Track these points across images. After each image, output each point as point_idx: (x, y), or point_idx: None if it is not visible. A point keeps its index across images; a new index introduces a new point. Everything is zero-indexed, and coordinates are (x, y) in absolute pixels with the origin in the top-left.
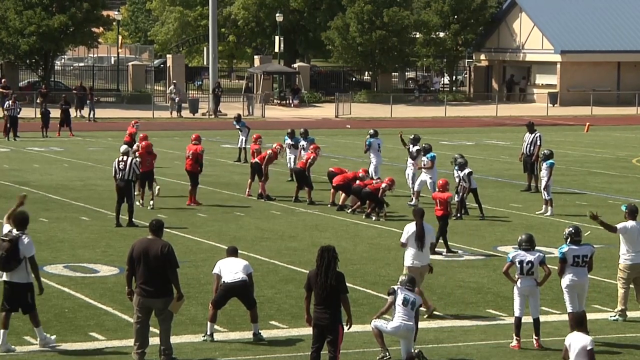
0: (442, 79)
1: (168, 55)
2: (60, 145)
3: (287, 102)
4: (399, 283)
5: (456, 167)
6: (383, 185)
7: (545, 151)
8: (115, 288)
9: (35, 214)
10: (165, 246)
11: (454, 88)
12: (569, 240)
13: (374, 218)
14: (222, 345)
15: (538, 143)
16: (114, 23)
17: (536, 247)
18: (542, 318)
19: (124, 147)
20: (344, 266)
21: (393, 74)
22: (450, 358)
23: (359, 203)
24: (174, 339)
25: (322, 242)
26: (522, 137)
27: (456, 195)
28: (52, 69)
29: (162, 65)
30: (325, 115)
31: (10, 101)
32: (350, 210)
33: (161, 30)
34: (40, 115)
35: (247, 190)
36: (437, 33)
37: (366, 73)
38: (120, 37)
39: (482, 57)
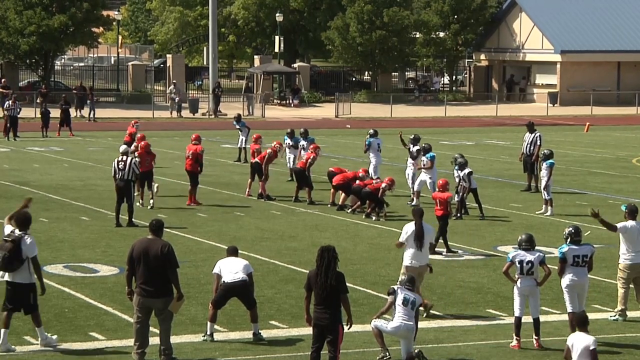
0: (442, 78)
1: (168, 55)
2: (60, 145)
3: (287, 102)
4: (398, 283)
5: (456, 167)
6: (383, 185)
7: (545, 151)
8: (115, 288)
9: (35, 214)
10: (165, 246)
11: (454, 88)
12: (569, 240)
13: (374, 218)
14: (222, 345)
15: (538, 143)
16: (114, 23)
17: (536, 247)
18: (542, 318)
19: (123, 147)
20: (344, 266)
21: (393, 74)
22: (450, 358)
23: (359, 203)
24: (174, 339)
25: (322, 242)
26: (522, 137)
27: (456, 195)
28: (52, 69)
29: (162, 65)
30: (325, 115)
31: (10, 101)
32: (350, 210)
33: (161, 30)
34: (40, 115)
35: (247, 190)
36: (437, 33)
37: (366, 73)
38: (120, 37)
39: (482, 57)
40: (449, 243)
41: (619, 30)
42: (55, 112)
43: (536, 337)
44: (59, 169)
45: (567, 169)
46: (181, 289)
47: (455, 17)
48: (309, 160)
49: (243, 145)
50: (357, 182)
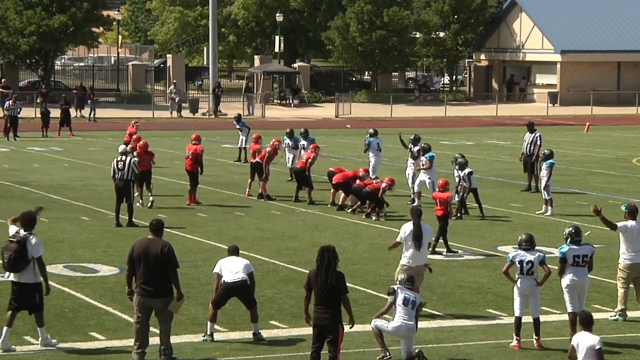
0: (442, 78)
1: (168, 55)
2: (61, 145)
3: (287, 102)
4: (398, 282)
5: (456, 167)
6: (383, 185)
7: (546, 151)
8: (115, 288)
9: None
10: (166, 246)
11: (454, 88)
12: (569, 240)
13: (374, 218)
14: (222, 345)
15: (538, 143)
16: (114, 23)
17: (536, 247)
18: (542, 318)
19: (122, 147)
20: (344, 266)
21: (393, 73)
22: (450, 358)
23: (359, 203)
24: (174, 339)
25: (322, 242)
26: (522, 137)
27: (456, 195)
28: (52, 69)
29: (162, 65)
30: (325, 115)
31: (11, 101)
32: (350, 210)
33: (161, 30)
34: (40, 115)
35: (247, 190)
36: (437, 33)
37: (366, 73)
38: (120, 37)
39: (482, 57)
40: (449, 243)
41: (619, 30)
42: (55, 112)
43: (536, 337)
44: (59, 169)
45: (567, 169)
46: (181, 289)
47: (456, 17)
48: (309, 160)
49: (243, 145)
50: (357, 181)
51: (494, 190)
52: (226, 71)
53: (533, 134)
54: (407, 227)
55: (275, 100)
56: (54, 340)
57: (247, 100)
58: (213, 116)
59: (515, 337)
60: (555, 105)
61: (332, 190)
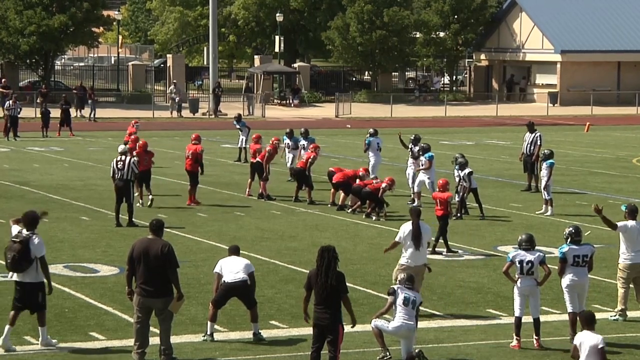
0: (442, 78)
1: (168, 55)
2: (61, 145)
3: (287, 102)
4: (397, 282)
5: (457, 167)
6: (383, 185)
7: (546, 151)
8: (115, 288)
9: None
10: (166, 246)
11: (454, 88)
12: (569, 240)
13: (374, 218)
14: (222, 345)
15: (538, 143)
16: (114, 23)
17: (536, 247)
18: (542, 318)
19: (122, 147)
20: (344, 266)
21: (393, 73)
22: (450, 358)
23: (359, 203)
24: (174, 339)
25: (322, 242)
26: (522, 137)
27: (456, 195)
28: (52, 69)
29: (162, 65)
30: (326, 115)
31: (11, 101)
32: (350, 210)
33: (161, 30)
34: (40, 115)
35: (247, 190)
36: (437, 33)
37: (366, 73)
38: (120, 37)
39: (482, 57)
40: (449, 243)
41: (619, 30)
42: (55, 112)
43: (536, 337)
44: (59, 168)
45: (567, 169)
46: (181, 289)
47: (456, 17)
48: (309, 160)
49: (243, 145)
50: (358, 181)
51: (494, 190)
52: (226, 71)
53: (533, 134)
54: (406, 227)
55: (275, 100)
56: (54, 341)
57: (247, 100)
58: (213, 116)
59: (515, 337)
60: (555, 105)
61: (332, 190)
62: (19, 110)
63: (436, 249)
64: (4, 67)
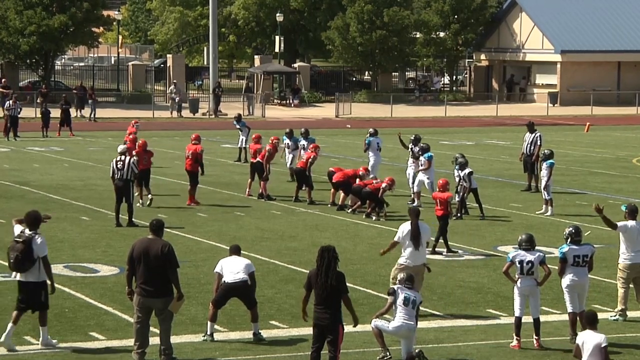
0: (443, 78)
1: (168, 55)
2: (61, 145)
3: (288, 102)
4: (397, 282)
5: (457, 167)
6: (383, 185)
7: (546, 151)
8: (115, 288)
9: None
10: (166, 246)
11: (454, 88)
12: (569, 240)
13: (374, 218)
14: (222, 345)
15: (538, 143)
16: (114, 23)
17: (536, 247)
18: (542, 318)
19: (121, 147)
20: (344, 266)
21: (393, 73)
22: (450, 358)
23: (359, 203)
24: (174, 339)
25: (322, 242)
26: (523, 137)
27: (456, 195)
28: (52, 69)
29: (162, 65)
30: (326, 115)
31: (11, 101)
32: (350, 210)
33: (161, 30)
34: (40, 115)
35: (247, 190)
36: (437, 33)
37: (366, 73)
38: (120, 37)
39: (482, 57)
40: (449, 243)
41: (619, 30)
42: (55, 112)
43: (536, 337)
44: (59, 169)
45: (567, 169)
46: (181, 289)
47: (456, 17)
48: (310, 160)
49: (243, 145)
50: (358, 181)
51: (494, 190)
52: (226, 71)
53: (533, 134)
54: (405, 227)
55: (275, 100)
56: (54, 341)
57: (247, 100)
58: (213, 116)
59: (515, 337)
60: (555, 105)
61: (332, 190)
62: (19, 110)
63: (436, 249)
64: (4, 67)
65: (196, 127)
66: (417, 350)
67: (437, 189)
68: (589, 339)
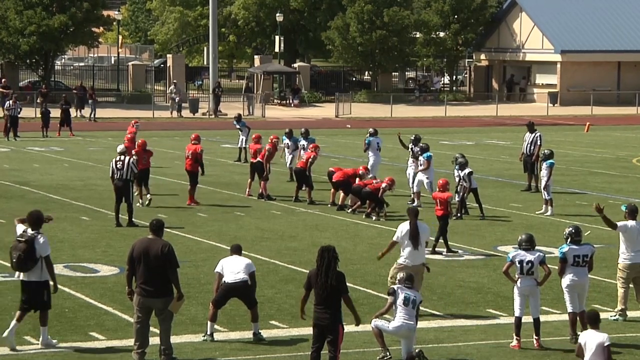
0: (443, 78)
1: (168, 55)
2: (61, 145)
3: (288, 102)
4: (397, 281)
5: (457, 167)
6: (383, 185)
7: (546, 151)
8: (115, 288)
9: None
10: (166, 246)
11: (454, 88)
12: (569, 240)
13: (374, 218)
14: (222, 345)
15: (538, 143)
16: (114, 23)
17: (536, 247)
18: (543, 318)
19: (120, 147)
20: (344, 266)
21: (393, 73)
22: (450, 358)
23: (359, 203)
24: (174, 339)
25: (322, 242)
26: (523, 137)
27: (456, 195)
28: (52, 69)
29: (162, 65)
30: (326, 115)
31: (11, 101)
32: (350, 210)
33: (161, 30)
34: (40, 115)
35: (247, 190)
36: (437, 33)
37: (366, 73)
38: (120, 37)
39: (482, 57)
40: (449, 243)
41: (619, 30)
42: (55, 112)
43: (536, 337)
44: (59, 169)
45: (567, 169)
46: (181, 289)
47: (456, 17)
48: (310, 160)
49: (243, 145)
50: (357, 181)
51: (494, 190)
52: (226, 71)
53: (533, 134)
54: (404, 227)
55: (275, 100)
56: (54, 341)
57: (247, 100)
58: (213, 116)
59: (515, 337)
60: (555, 105)
61: (332, 190)
62: (19, 110)
63: (436, 249)
64: (4, 67)
65: (196, 127)
66: (417, 350)
67: (437, 189)
68: (591, 339)
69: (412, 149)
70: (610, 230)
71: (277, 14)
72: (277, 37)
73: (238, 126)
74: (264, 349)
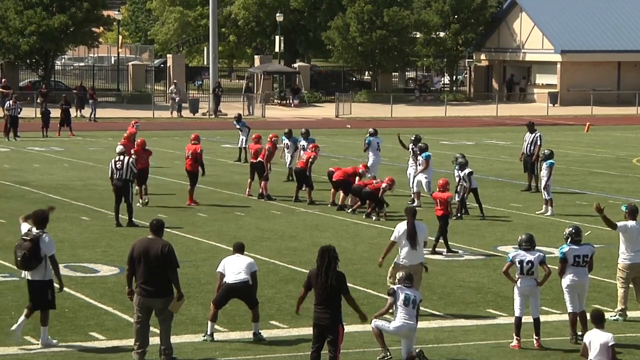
0: (443, 78)
1: (168, 55)
2: (61, 145)
3: (288, 102)
4: (397, 281)
5: (457, 167)
6: (383, 185)
7: (546, 151)
8: (115, 288)
9: None
10: (166, 246)
11: (454, 88)
12: (569, 240)
13: (374, 218)
14: (222, 345)
15: (538, 143)
16: (114, 23)
17: (536, 247)
18: (543, 318)
19: (119, 147)
20: (344, 266)
21: (393, 73)
22: (450, 358)
23: (359, 203)
24: (174, 339)
25: (322, 242)
26: (523, 137)
27: (456, 195)
28: (52, 69)
29: (162, 65)
30: (326, 115)
31: (11, 101)
32: (350, 210)
33: (161, 30)
34: (40, 115)
35: (247, 190)
36: (438, 33)
37: (366, 73)
38: (120, 37)
39: (482, 56)
40: (449, 243)
41: (619, 30)
42: (55, 112)
43: (536, 337)
44: (59, 169)
45: (567, 169)
46: (181, 289)
47: (456, 17)
48: (310, 160)
49: (243, 145)
50: (357, 180)
51: (494, 190)
52: (226, 71)
53: (533, 134)
54: (401, 227)
55: (275, 100)
56: (54, 341)
57: (247, 100)
58: (213, 116)
59: (515, 337)
60: (555, 105)
61: (332, 190)
62: (19, 110)
63: (436, 249)
64: (4, 67)
65: (196, 127)
66: (417, 350)
67: (437, 189)
68: (595, 338)
69: (412, 149)
70: (610, 230)
71: (277, 14)
72: (277, 37)
73: (238, 126)
74: (264, 349)
